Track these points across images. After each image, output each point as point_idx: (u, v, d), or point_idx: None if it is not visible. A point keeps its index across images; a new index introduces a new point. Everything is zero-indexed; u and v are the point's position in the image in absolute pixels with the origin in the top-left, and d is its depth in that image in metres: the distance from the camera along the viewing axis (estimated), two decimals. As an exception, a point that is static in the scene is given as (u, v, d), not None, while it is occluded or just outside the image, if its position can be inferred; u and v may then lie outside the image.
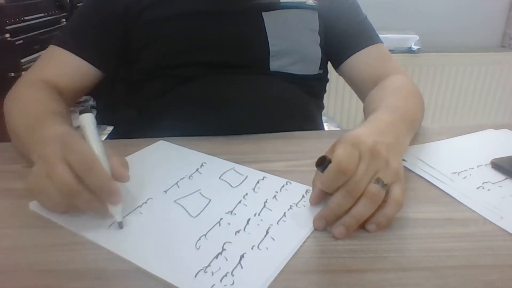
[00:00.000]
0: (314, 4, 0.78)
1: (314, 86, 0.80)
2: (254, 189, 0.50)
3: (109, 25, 0.74)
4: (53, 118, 0.54)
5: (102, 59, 0.73)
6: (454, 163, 0.56)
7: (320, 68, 0.79)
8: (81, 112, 0.47)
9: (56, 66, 0.70)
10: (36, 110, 0.58)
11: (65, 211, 0.44)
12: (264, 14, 0.74)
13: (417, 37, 1.89)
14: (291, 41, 0.75)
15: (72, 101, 0.72)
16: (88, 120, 0.46)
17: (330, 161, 0.42)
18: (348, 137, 0.45)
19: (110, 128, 0.95)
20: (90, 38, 0.73)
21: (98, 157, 0.43)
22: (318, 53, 0.78)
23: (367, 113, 0.63)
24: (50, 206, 0.45)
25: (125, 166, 0.46)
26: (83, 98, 1.53)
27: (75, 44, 0.71)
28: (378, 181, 0.42)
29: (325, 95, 0.87)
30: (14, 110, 0.62)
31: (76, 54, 0.70)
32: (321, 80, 0.83)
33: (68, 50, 0.70)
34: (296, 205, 0.47)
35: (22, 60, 1.18)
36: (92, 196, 0.42)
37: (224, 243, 0.40)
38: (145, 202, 0.47)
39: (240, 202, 0.48)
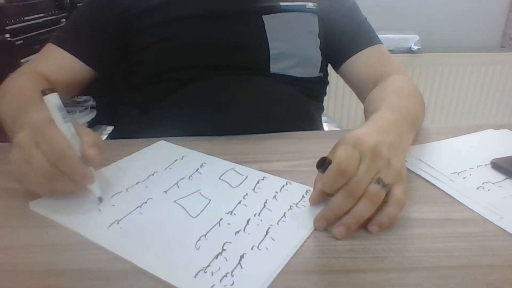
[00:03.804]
0: (314, 7, 0.78)
1: (314, 88, 0.80)
2: (254, 189, 0.50)
3: (106, 26, 0.75)
4: (37, 105, 0.53)
5: (95, 58, 0.74)
6: (454, 163, 0.56)
7: (320, 71, 0.80)
8: (44, 93, 0.45)
9: (49, 61, 0.72)
10: (23, 98, 0.59)
11: (50, 193, 0.46)
12: (264, 17, 0.74)
13: (417, 37, 1.89)
14: (291, 44, 0.75)
15: (66, 95, 0.73)
16: (51, 101, 0.45)
17: (330, 162, 0.42)
18: (349, 137, 0.44)
19: (110, 128, 0.95)
20: (85, 37, 0.74)
21: (68, 141, 0.43)
22: (318, 55, 0.78)
23: (368, 113, 0.63)
24: (34, 189, 0.46)
25: (97, 145, 0.46)
26: (83, 98, 1.53)
27: (70, 43, 0.73)
28: (378, 181, 0.42)
29: (326, 96, 0.87)
30: (3, 100, 0.64)
31: (69, 52, 0.72)
32: (321, 82, 0.83)
33: (62, 48, 0.72)
34: (296, 205, 0.47)
35: (22, 60, 1.18)
36: (70, 178, 0.43)
37: (224, 243, 0.40)
38: (145, 202, 0.47)
39: (240, 202, 0.48)
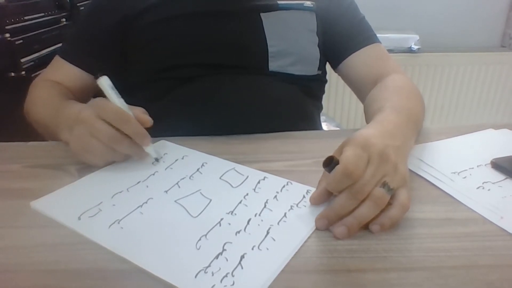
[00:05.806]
0: (312, 6, 0.78)
1: (313, 86, 0.80)
2: (254, 189, 0.50)
3: (109, 31, 0.76)
4: (72, 101, 0.65)
5: (97, 66, 0.76)
6: (454, 163, 0.56)
7: (318, 69, 0.80)
8: (97, 78, 0.54)
9: (60, 73, 0.77)
10: (54, 100, 0.69)
11: (110, 159, 0.54)
12: (262, 15, 0.74)
13: (417, 37, 1.88)
14: (289, 42, 0.75)
15: (82, 99, 0.75)
16: (104, 82, 0.54)
17: (337, 162, 0.42)
18: (357, 138, 0.44)
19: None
20: (88, 48, 0.78)
21: (126, 109, 0.53)
22: (316, 53, 0.78)
23: (370, 112, 0.62)
24: (96, 160, 0.54)
25: (145, 113, 0.55)
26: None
27: (74, 55, 0.77)
28: (384, 185, 0.42)
29: (325, 95, 0.87)
30: (34, 106, 0.72)
31: (74, 65, 0.76)
32: (319, 81, 0.83)
33: (68, 61, 0.77)
34: (297, 206, 0.47)
35: (22, 60, 1.18)
36: (131, 141, 0.52)
37: (225, 244, 0.40)
38: (146, 202, 0.47)
39: (240, 202, 0.48)
